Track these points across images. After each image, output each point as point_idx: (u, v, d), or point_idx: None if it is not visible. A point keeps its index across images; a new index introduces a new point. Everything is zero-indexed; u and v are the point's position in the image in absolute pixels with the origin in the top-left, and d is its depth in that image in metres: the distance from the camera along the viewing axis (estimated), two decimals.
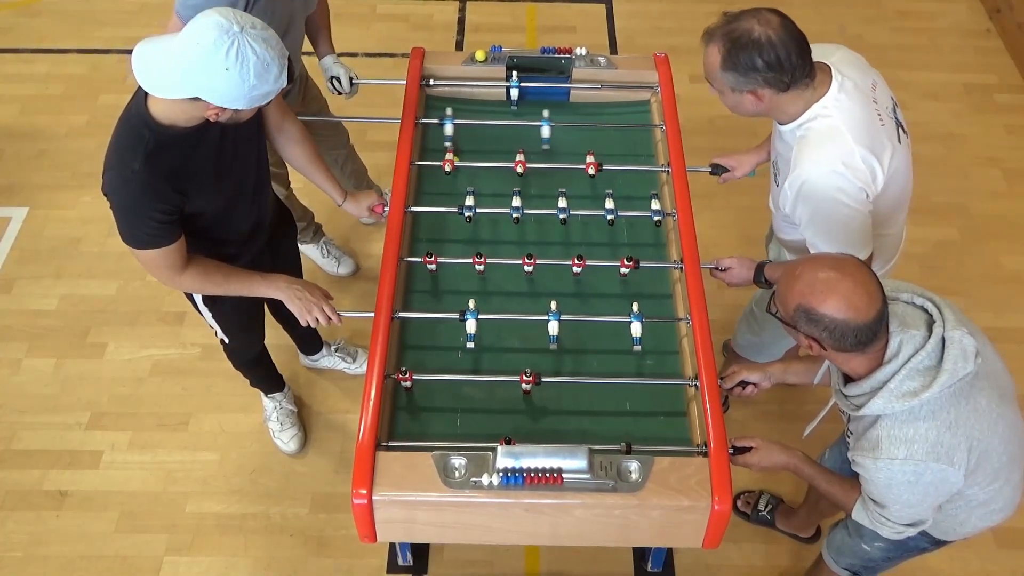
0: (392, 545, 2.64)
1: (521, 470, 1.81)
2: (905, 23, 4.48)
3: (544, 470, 1.80)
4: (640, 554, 2.66)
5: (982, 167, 3.81)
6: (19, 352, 3.13)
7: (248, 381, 2.82)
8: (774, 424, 2.94)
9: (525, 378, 1.98)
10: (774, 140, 2.14)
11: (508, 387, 2.06)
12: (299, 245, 2.83)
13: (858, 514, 1.85)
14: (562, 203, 2.34)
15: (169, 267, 1.95)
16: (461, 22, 4.43)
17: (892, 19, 4.50)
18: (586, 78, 2.64)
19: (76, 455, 2.87)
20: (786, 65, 1.84)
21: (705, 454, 1.87)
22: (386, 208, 2.32)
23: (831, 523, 2.25)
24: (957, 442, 1.63)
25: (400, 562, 2.61)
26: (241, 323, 2.43)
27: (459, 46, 4.30)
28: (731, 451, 1.90)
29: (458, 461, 1.83)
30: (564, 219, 2.32)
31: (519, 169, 2.37)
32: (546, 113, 2.53)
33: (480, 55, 2.62)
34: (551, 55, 2.63)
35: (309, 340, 2.98)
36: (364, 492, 1.80)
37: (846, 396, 1.72)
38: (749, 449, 1.93)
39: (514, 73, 2.60)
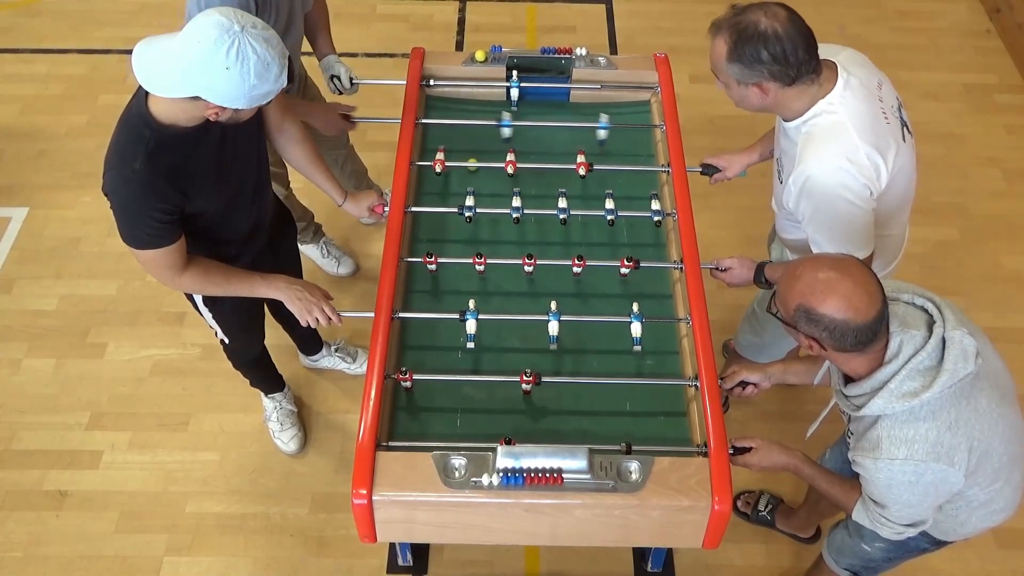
0: (392, 545, 2.64)
1: (521, 470, 1.81)
2: (905, 23, 4.48)
3: (544, 470, 1.80)
4: (640, 554, 2.66)
5: (982, 167, 3.81)
6: (19, 352, 3.13)
7: (248, 381, 2.82)
8: (774, 424, 2.94)
9: (525, 378, 1.98)
10: (778, 137, 2.14)
11: (508, 387, 2.06)
12: (299, 245, 2.83)
13: (858, 515, 1.85)
14: (562, 203, 2.34)
15: (169, 267, 1.95)
16: (461, 22, 4.43)
17: (892, 19, 4.50)
18: (586, 78, 2.64)
19: (76, 455, 2.87)
20: (791, 59, 1.85)
21: (705, 454, 1.87)
22: (386, 208, 2.32)
23: (831, 523, 2.25)
24: (957, 442, 1.63)
25: (400, 562, 2.61)
26: (241, 323, 2.43)
27: (459, 46, 4.30)
28: (731, 451, 1.90)
29: (458, 461, 1.83)
30: (564, 219, 2.32)
31: (509, 169, 2.38)
32: (604, 118, 2.52)
33: (480, 55, 2.62)
34: (551, 55, 2.63)
35: (309, 340, 2.98)
36: (364, 492, 1.80)
37: (846, 396, 1.72)
38: (749, 449, 1.93)
39: (514, 73, 2.60)
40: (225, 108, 1.74)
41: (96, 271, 3.35)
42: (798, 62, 1.85)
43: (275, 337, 2.76)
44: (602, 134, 2.55)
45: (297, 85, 2.70)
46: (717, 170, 2.49)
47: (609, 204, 2.34)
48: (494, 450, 1.83)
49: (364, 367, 2.85)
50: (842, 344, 1.59)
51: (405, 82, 2.59)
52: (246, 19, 1.70)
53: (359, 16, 4.40)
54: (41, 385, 3.05)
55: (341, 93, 2.78)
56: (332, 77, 2.74)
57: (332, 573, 2.64)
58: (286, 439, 2.87)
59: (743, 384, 2.12)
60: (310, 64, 2.84)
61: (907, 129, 2.05)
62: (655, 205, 2.37)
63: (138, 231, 1.86)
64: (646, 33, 4.38)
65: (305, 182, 2.47)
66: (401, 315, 2.13)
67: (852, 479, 1.87)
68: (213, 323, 2.35)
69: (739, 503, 2.77)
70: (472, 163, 2.42)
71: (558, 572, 2.66)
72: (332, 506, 2.77)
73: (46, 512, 2.75)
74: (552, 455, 1.82)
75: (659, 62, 2.64)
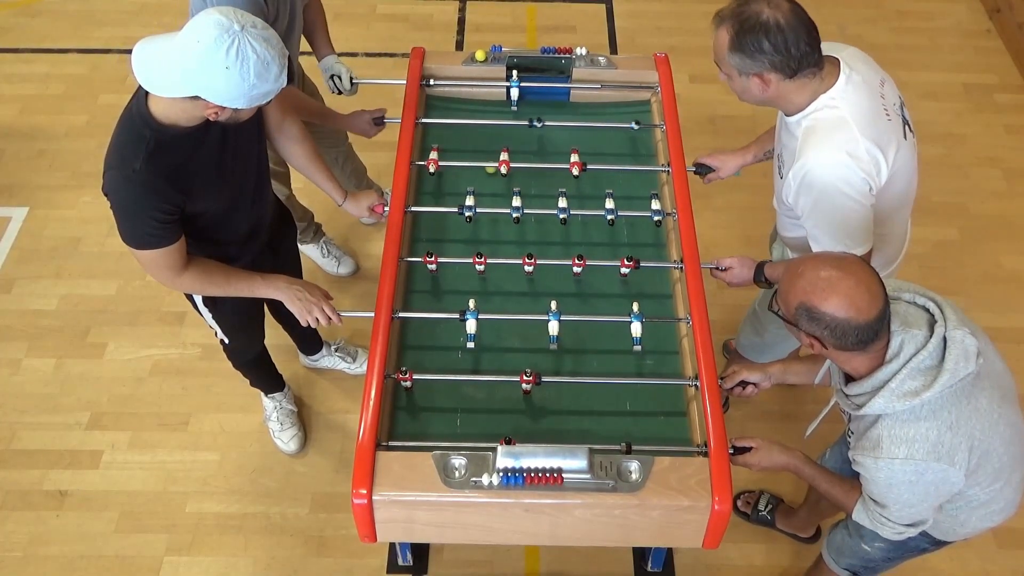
0: (392, 545, 2.64)
1: (521, 470, 1.81)
2: (905, 23, 4.48)
3: (544, 470, 1.80)
4: (640, 554, 2.66)
5: (982, 167, 3.81)
6: (19, 352, 3.13)
7: (248, 381, 2.82)
8: (774, 424, 2.95)
9: (525, 378, 1.98)
10: (779, 133, 2.14)
11: (508, 387, 2.06)
12: (299, 245, 2.83)
13: (858, 514, 1.85)
14: (562, 203, 2.34)
15: (169, 268, 1.95)
16: (461, 22, 4.43)
17: (892, 19, 4.50)
18: (586, 78, 2.64)
19: (76, 455, 2.87)
20: (793, 50, 1.85)
21: (705, 454, 1.87)
22: (386, 208, 2.32)
23: (831, 523, 2.25)
24: (958, 442, 1.63)
25: (400, 562, 2.61)
26: (241, 323, 2.43)
27: (459, 46, 4.30)
28: (731, 451, 1.90)
29: (458, 461, 1.83)
30: (564, 219, 2.32)
31: (503, 169, 2.38)
32: (635, 124, 2.53)
33: (480, 55, 2.62)
34: (551, 55, 2.63)
35: (309, 340, 2.98)
36: (364, 492, 1.80)
37: (847, 395, 1.72)
38: (749, 449, 1.93)
39: (514, 73, 2.60)
40: (225, 108, 1.74)
41: (96, 271, 3.35)
42: (799, 54, 1.86)
43: (275, 337, 2.76)
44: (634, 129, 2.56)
45: (297, 85, 2.70)
46: (711, 170, 2.49)
47: (609, 204, 2.34)
48: (494, 450, 1.83)
49: (364, 367, 2.85)
50: (843, 343, 1.59)
51: (405, 82, 2.59)
52: (246, 19, 1.69)
53: (359, 16, 4.40)
54: (41, 385, 3.05)
55: (341, 93, 2.78)
56: (332, 77, 2.74)
57: (332, 573, 2.64)
58: (286, 439, 2.87)
59: (743, 384, 2.11)
60: (309, 64, 2.84)
61: (909, 127, 2.05)
62: (655, 205, 2.37)
63: (138, 231, 1.86)
64: (646, 33, 4.38)
65: (305, 182, 2.47)
66: (401, 315, 2.13)
67: (852, 479, 1.87)
68: (213, 323, 2.35)
69: (739, 503, 2.77)
70: (490, 167, 2.43)
71: (558, 572, 2.66)
72: (332, 506, 2.77)
73: (46, 512, 2.75)
74: (552, 455, 1.82)
75: (659, 62, 2.64)
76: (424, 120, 2.55)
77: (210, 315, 2.31)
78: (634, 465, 1.83)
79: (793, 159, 1.97)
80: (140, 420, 2.96)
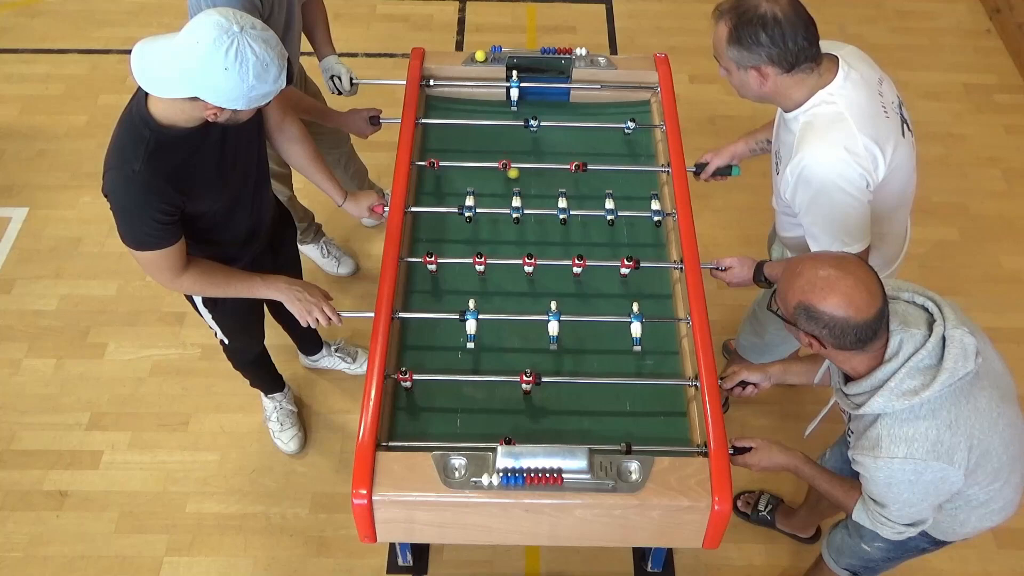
0: (392, 545, 2.64)
1: (521, 470, 1.81)
2: (905, 23, 4.48)
3: (544, 470, 1.80)
4: (640, 554, 2.66)
5: (982, 167, 3.81)
6: (19, 352, 3.13)
7: (248, 381, 2.82)
8: (774, 424, 2.95)
9: (525, 378, 1.98)
10: (777, 130, 2.14)
11: (508, 387, 2.06)
12: (299, 245, 2.83)
13: (858, 514, 1.85)
14: (562, 203, 2.34)
15: (169, 268, 1.95)
16: (461, 22, 4.43)
17: (892, 19, 4.50)
18: (586, 78, 2.64)
19: (76, 455, 2.87)
20: (790, 43, 1.85)
21: (705, 454, 1.87)
22: (386, 208, 2.32)
23: (831, 523, 2.25)
24: (957, 441, 1.63)
25: (400, 562, 2.61)
26: (241, 324, 2.43)
27: (459, 46, 4.30)
28: (731, 451, 1.90)
29: (458, 461, 1.83)
30: (564, 219, 2.32)
31: (506, 169, 2.37)
32: (630, 123, 2.54)
33: (480, 55, 2.62)
34: (551, 55, 2.63)
35: (309, 340, 2.98)
36: (364, 492, 1.80)
37: (846, 395, 1.72)
38: (749, 449, 1.93)
39: (514, 73, 2.60)
40: (224, 109, 1.74)
41: (96, 271, 3.35)
42: (797, 48, 1.86)
43: (275, 337, 2.76)
44: (628, 132, 2.56)
45: (297, 84, 2.70)
46: (706, 164, 2.49)
47: (609, 204, 2.34)
48: (494, 450, 1.83)
49: (364, 367, 2.86)
50: (842, 342, 1.59)
51: (405, 82, 2.59)
52: (245, 20, 1.69)
53: (359, 16, 4.40)
54: (41, 385, 3.05)
55: (341, 94, 2.78)
56: (332, 77, 2.74)
57: (332, 573, 2.64)
58: (286, 439, 2.87)
59: (743, 384, 2.11)
60: (309, 64, 2.84)
61: (907, 126, 2.05)
62: (655, 205, 2.37)
63: (138, 232, 1.86)
64: (646, 33, 4.38)
65: (305, 182, 2.47)
66: (401, 315, 2.13)
67: (852, 479, 1.87)
68: (213, 324, 2.35)
69: (739, 503, 2.77)
70: (513, 172, 2.43)
71: (558, 572, 2.66)
72: (332, 506, 2.77)
73: (46, 512, 2.75)
74: (552, 455, 1.82)
75: (659, 62, 2.64)
76: (424, 120, 2.55)
77: (210, 316, 2.31)
78: (634, 465, 1.83)
79: (791, 155, 1.97)
80: (140, 420, 2.96)
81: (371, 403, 1.91)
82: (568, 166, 2.41)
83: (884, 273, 2.22)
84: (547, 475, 1.80)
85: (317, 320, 2.13)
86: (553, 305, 2.11)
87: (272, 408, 2.88)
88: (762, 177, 2.49)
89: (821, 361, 1.98)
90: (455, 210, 2.32)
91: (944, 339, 1.63)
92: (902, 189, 2.08)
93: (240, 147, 2.00)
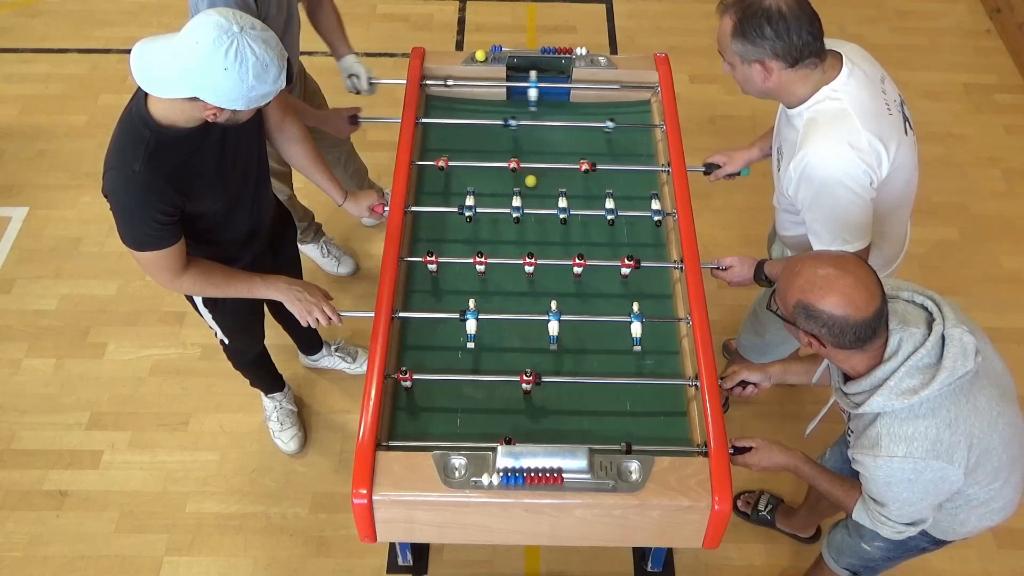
0: (392, 545, 2.64)
1: (521, 470, 1.81)
2: (905, 23, 4.48)
3: (544, 470, 1.81)
4: (640, 554, 2.66)
5: (982, 167, 3.81)
6: (19, 352, 3.13)
7: (248, 381, 2.82)
8: (774, 424, 2.95)
9: (525, 378, 1.98)
10: (780, 126, 2.14)
11: (508, 387, 2.06)
12: (299, 245, 2.83)
13: (858, 514, 1.85)
14: (562, 203, 2.34)
15: (169, 269, 1.95)
16: (461, 22, 4.43)
17: (892, 19, 4.50)
18: (586, 78, 2.65)
19: (76, 455, 2.87)
20: (795, 37, 1.86)
21: (705, 454, 1.87)
22: (386, 208, 2.32)
23: (831, 523, 2.25)
24: (957, 440, 1.63)
25: (400, 562, 2.61)
26: (241, 324, 2.43)
27: (459, 46, 4.30)
28: (731, 451, 1.90)
29: (458, 461, 1.83)
30: (564, 219, 2.32)
31: (513, 169, 2.37)
32: (609, 123, 2.53)
33: (480, 55, 2.62)
34: (551, 55, 2.63)
35: (309, 340, 2.98)
36: (364, 492, 1.80)
37: (846, 394, 1.72)
38: (749, 449, 1.93)
39: (532, 73, 2.59)
40: (223, 109, 1.74)
41: (96, 271, 3.35)
42: (801, 42, 1.86)
43: (275, 337, 2.76)
44: (608, 131, 2.56)
45: (297, 84, 2.70)
46: (718, 167, 2.49)
47: (609, 204, 2.34)
48: (494, 450, 1.83)
49: (364, 367, 2.86)
50: (841, 341, 1.59)
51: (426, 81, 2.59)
52: (245, 20, 1.69)
53: (359, 16, 4.40)
54: (41, 385, 3.05)
55: (359, 93, 2.76)
56: (350, 76, 2.73)
57: (332, 573, 2.64)
58: (286, 439, 2.87)
59: (743, 384, 2.11)
60: (309, 62, 2.84)
61: (909, 125, 2.05)
62: (655, 205, 2.37)
63: (138, 232, 1.86)
64: (646, 33, 4.38)
65: (305, 182, 2.47)
66: (401, 315, 2.13)
67: (852, 479, 1.87)
68: (213, 324, 2.35)
69: (739, 503, 2.77)
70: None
71: (558, 572, 2.66)
72: (332, 506, 2.77)
73: (46, 512, 2.75)
74: (552, 455, 1.82)
75: (659, 62, 2.64)
76: (424, 120, 2.55)
77: (210, 316, 2.31)
78: (634, 465, 1.83)
79: (794, 151, 1.97)
80: (140, 420, 2.96)
81: (371, 403, 1.91)
82: (569, 166, 2.41)
83: (884, 272, 2.22)
84: (547, 475, 1.80)
85: (317, 320, 2.13)
86: (553, 305, 2.11)
87: (272, 408, 2.88)
88: (762, 177, 2.49)
89: (821, 361, 1.98)
90: (455, 210, 2.32)
91: (943, 338, 1.63)
92: (904, 188, 2.09)
93: (240, 147, 2.00)
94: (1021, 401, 1.79)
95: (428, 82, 2.62)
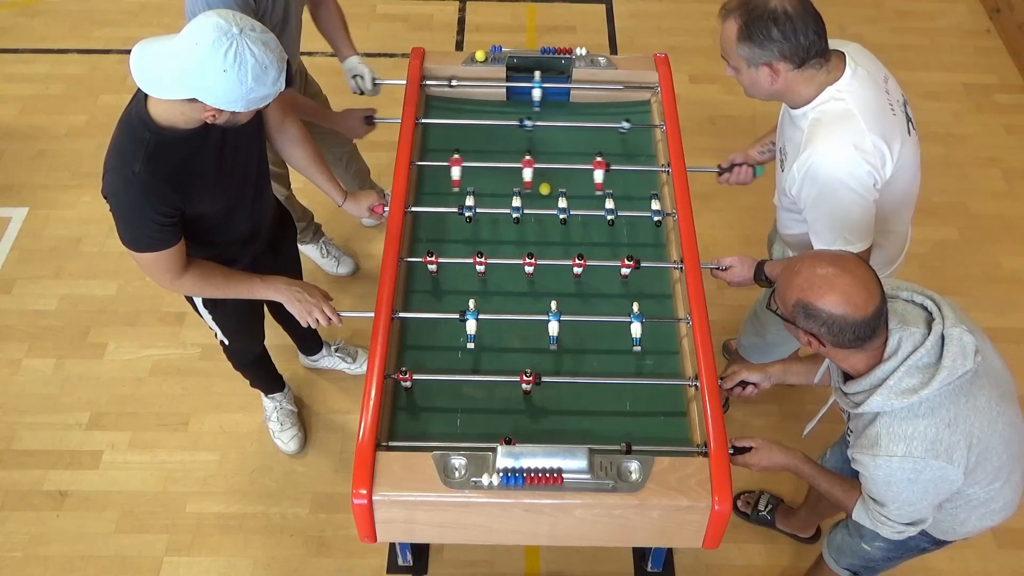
0: (392, 545, 2.64)
1: (521, 470, 1.81)
2: (905, 23, 4.48)
3: (544, 470, 1.80)
4: (640, 554, 2.66)
5: (982, 167, 3.81)
6: (19, 352, 3.13)
7: (248, 381, 2.82)
8: (774, 424, 2.95)
9: (525, 378, 1.98)
10: (783, 126, 2.14)
11: (508, 387, 2.06)
12: (299, 245, 2.83)
13: (858, 514, 1.85)
14: (562, 203, 2.34)
15: (168, 270, 1.95)
16: (461, 22, 4.43)
17: (892, 19, 4.50)
18: (586, 78, 2.65)
19: (76, 455, 2.87)
20: (802, 38, 1.86)
21: (705, 454, 1.87)
22: (386, 208, 2.32)
23: (831, 523, 2.25)
24: (956, 439, 1.63)
25: (400, 562, 2.61)
26: (241, 325, 2.43)
27: (459, 46, 4.30)
28: (731, 451, 1.90)
29: (458, 461, 1.83)
30: (564, 219, 2.32)
31: (526, 171, 2.37)
32: (625, 123, 2.54)
33: (480, 55, 2.62)
34: (551, 55, 2.63)
35: (309, 340, 2.98)
36: (364, 492, 1.80)
37: (846, 394, 1.72)
38: (749, 449, 1.93)
39: (537, 73, 2.60)
40: (222, 111, 1.74)
41: (96, 271, 3.35)
42: (808, 42, 1.86)
43: (275, 337, 2.76)
44: (623, 131, 2.56)
45: (299, 83, 2.70)
46: (735, 167, 2.47)
47: (609, 204, 2.34)
48: (494, 450, 1.83)
49: (364, 367, 2.86)
50: (841, 340, 1.59)
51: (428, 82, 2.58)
52: (245, 22, 1.69)
53: (359, 16, 4.40)
54: (41, 385, 3.05)
55: (363, 93, 2.76)
56: (355, 77, 2.73)
57: (332, 573, 2.64)
58: (286, 439, 2.87)
59: (743, 384, 2.12)
60: (313, 64, 2.84)
61: (912, 125, 2.05)
62: (655, 205, 2.37)
63: (138, 234, 1.86)
64: (646, 33, 4.38)
65: (305, 182, 2.47)
66: (401, 315, 2.13)
67: (852, 479, 1.87)
68: (213, 324, 2.35)
69: (739, 503, 2.77)
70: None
71: (558, 572, 2.66)
72: (332, 506, 2.77)
73: (46, 512, 2.75)
74: (552, 455, 1.82)
75: (659, 62, 2.64)
76: (424, 120, 2.55)
77: (210, 316, 2.31)
78: (634, 465, 1.83)
79: (798, 151, 1.97)
80: (140, 420, 2.96)
81: (371, 403, 1.91)
82: (569, 166, 2.40)
83: (885, 272, 2.22)
84: (547, 475, 1.80)
85: (317, 320, 2.12)
86: (553, 305, 2.11)
87: (272, 408, 2.88)
88: (762, 177, 2.49)
89: (821, 361, 1.98)
90: (455, 210, 2.32)
91: (943, 338, 1.63)
92: (906, 188, 2.09)
93: (240, 149, 2.00)
94: (1021, 401, 1.79)
95: (432, 82, 2.62)
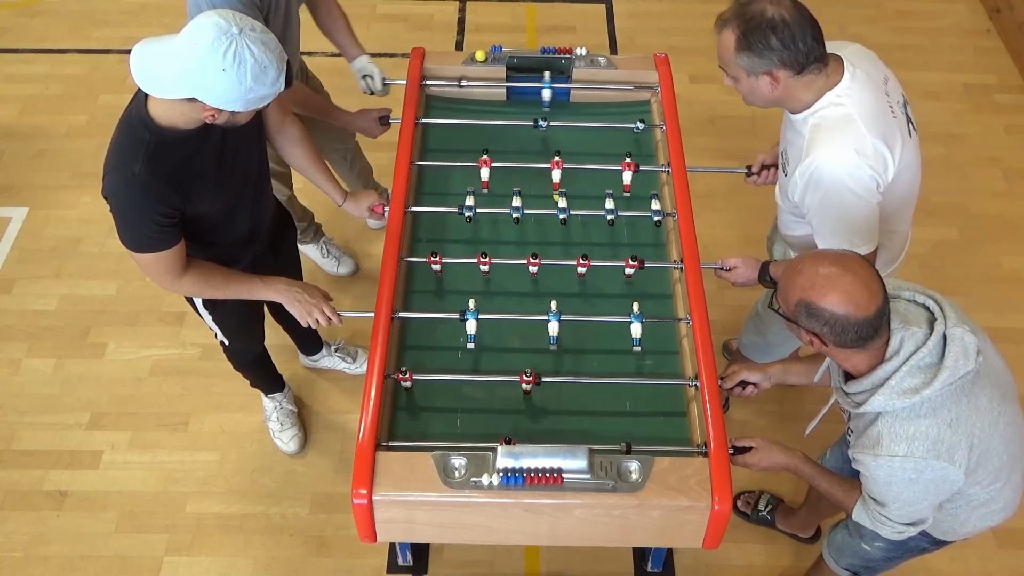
0: (392, 545, 2.64)
1: (521, 470, 1.81)
2: (905, 23, 4.48)
3: (544, 470, 1.80)
4: (640, 554, 2.66)
5: (982, 167, 3.81)
6: (19, 352, 3.13)
7: (248, 382, 2.82)
8: (774, 424, 2.95)
9: (525, 378, 1.98)
10: (785, 130, 2.14)
11: (508, 387, 2.06)
12: (299, 245, 2.83)
13: (859, 514, 1.85)
14: (562, 203, 2.34)
15: (168, 271, 1.95)
16: (461, 22, 4.43)
17: (892, 19, 4.50)
18: (586, 78, 2.64)
19: (76, 455, 2.87)
20: (800, 45, 1.86)
21: (705, 454, 1.87)
22: (386, 208, 2.32)
23: (831, 523, 2.25)
24: (958, 440, 1.63)
25: (400, 562, 2.61)
26: (241, 325, 2.43)
27: (459, 46, 4.30)
28: (731, 451, 1.90)
29: (458, 461, 1.83)
30: (564, 219, 2.32)
31: (555, 172, 2.37)
32: (639, 124, 2.54)
33: (480, 55, 2.62)
34: (551, 55, 2.63)
35: (309, 340, 2.98)
36: (364, 492, 1.80)
37: (847, 393, 1.72)
38: (749, 449, 1.93)
39: (547, 74, 2.59)
40: (222, 110, 1.73)
41: (96, 271, 3.35)
42: (807, 48, 1.86)
43: (275, 337, 2.76)
44: (636, 131, 2.57)
45: (300, 81, 2.69)
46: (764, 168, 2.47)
47: (609, 204, 2.34)
48: (494, 450, 1.83)
49: (364, 367, 2.86)
50: (843, 339, 1.59)
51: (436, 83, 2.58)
52: (244, 22, 1.69)
53: (359, 16, 4.37)
54: (41, 385, 3.05)
55: (373, 93, 2.75)
56: (364, 77, 2.73)
57: (332, 573, 2.64)
58: (286, 439, 2.87)
59: (743, 384, 2.11)
60: (314, 63, 2.84)
61: (912, 125, 2.05)
62: (655, 205, 2.37)
63: (138, 234, 1.86)
64: (646, 33, 4.38)
65: (305, 182, 2.47)
66: (401, 315, 2.13)
67: (853, 479, 1.87)
68: (213, 325, 2.35)
69: (739, 503, 2.77)
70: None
71: (558, 572, 2.66)
72: (332, 506, 2.77)
73: (46, 512, 2.75)
74: (552, 455, 1.82)
75: (659, 62, 2.64)
76: (424, 120, 2.55)
77: (210, 317, 2.31)
78: (634, 465, 1.83)
79: (800, 156, 1.97)
80: (140, 420, 2.96)
81: (371, 403, 1.91)
82: (571, 166, 2.40)
83: (885, 272, 2.22)
84: (547, 475, 1.80)
85: (317, 321, 2.12)
86: (553, 305, 2.11)
87: (272, 408, 2.88)
88: None
89: (821, 361, 1.98)
90: (455, 210, 2.32)
91: (945, 338, 1.63)
92: (908, 188, 2.09)
93: (240, 149, 2.00)
94: (1021, 401, 1.79)
95: (436, 83, 2.62)
